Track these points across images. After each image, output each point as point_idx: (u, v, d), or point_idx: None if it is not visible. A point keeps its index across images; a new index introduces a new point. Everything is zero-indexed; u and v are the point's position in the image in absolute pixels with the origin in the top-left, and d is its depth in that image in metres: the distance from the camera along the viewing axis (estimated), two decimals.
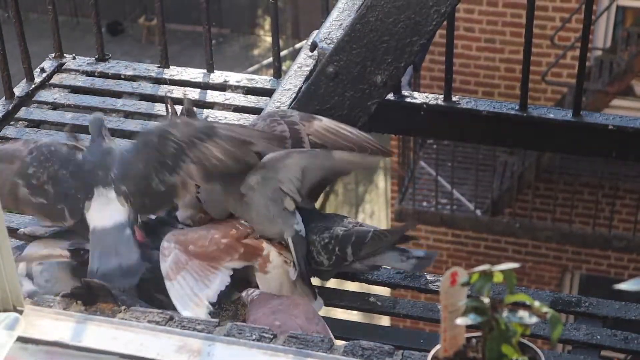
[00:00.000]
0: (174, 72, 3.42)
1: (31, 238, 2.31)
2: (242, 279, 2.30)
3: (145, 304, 2.07)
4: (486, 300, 1.33)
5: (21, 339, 1.67)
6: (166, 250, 2.13)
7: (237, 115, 3.11)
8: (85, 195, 2.16)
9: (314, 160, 2.24)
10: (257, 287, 2.29)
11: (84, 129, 2.58)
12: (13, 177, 2.19)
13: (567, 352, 2.60)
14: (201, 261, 2.16)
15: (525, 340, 1.40)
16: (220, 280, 2.16)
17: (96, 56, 3.52)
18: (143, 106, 3.23)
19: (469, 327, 1.38)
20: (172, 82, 3.35)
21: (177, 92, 3.30)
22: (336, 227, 2.36)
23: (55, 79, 3.41)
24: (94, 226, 2.15)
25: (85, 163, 2.20)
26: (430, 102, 3.13)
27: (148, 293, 2.16)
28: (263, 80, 3.37)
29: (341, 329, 2.40)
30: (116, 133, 3.07)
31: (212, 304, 2.09)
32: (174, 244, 2.15)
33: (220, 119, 3.09)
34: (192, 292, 2.09)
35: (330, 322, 2.34)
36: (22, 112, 3.21)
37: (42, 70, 3.44)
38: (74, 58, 3.54)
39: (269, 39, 14.62)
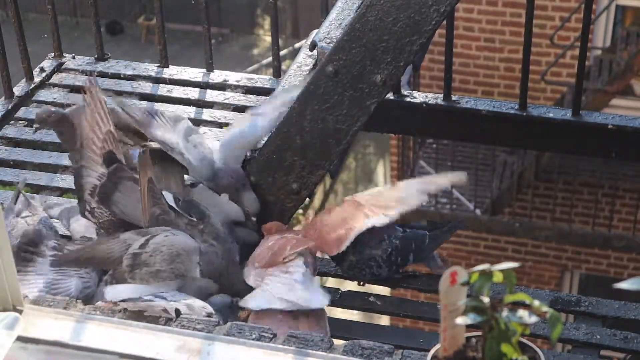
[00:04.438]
0: (174, 71, 3.42)
1: None
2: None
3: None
4: (486, 299, 1.32)
5: (21, 339, 1.67)
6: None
7: (237, 114, 3.11)
8: None
9: None
10: None
11: None
12: None
13: (567, 352, 2.60)
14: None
15: (525, 340, 1.40)
16: None
17: (96, 56, 3.52)
18: (143, 106, 3.23)
19: (469, 327, 1.38)
20: (171, 82, 3.35)
21: (177, 91, 3.31)
22: (387, 236, 2.43)
23: (55, 79, 3.41)
24: None
25: None
26: (429, 102, 3.13)
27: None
28: (263, 80, 3.37)
29: (341, 328, 2.41)
30: None
31: None
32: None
33: (219, 119, 3.10)
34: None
35: (330, 322, 2.34)
36: (22, 112, 3.21)
37: (42, 69, 3.43)
38: (73, 58, 3.54)
39: (268, 39, 14.61)
